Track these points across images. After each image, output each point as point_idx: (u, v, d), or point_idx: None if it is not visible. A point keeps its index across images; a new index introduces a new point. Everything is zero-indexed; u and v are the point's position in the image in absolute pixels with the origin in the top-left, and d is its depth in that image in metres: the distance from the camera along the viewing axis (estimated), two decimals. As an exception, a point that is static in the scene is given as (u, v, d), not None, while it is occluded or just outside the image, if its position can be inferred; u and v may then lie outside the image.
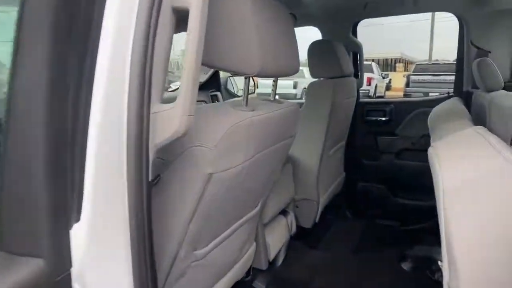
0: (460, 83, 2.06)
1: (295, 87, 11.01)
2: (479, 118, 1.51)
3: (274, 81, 1.14)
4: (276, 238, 1.61)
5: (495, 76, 1.51)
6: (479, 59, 1.55)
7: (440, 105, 1.81)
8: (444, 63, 11.34)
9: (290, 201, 1.78)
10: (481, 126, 0.94)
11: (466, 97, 1.98)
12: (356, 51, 2.22)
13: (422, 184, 2.35)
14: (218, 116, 0.83)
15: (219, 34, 0.77)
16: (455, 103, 1.73)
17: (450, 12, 1.95)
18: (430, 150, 0.87)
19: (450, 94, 2.13)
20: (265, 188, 1.25)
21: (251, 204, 1.20)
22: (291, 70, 0.98)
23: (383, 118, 2.29)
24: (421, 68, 11.28)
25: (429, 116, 1.72)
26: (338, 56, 1.74)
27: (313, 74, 1.81)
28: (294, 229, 1.82)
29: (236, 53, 0.78)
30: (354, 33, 2.25)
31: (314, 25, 2.25)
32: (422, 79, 10.03)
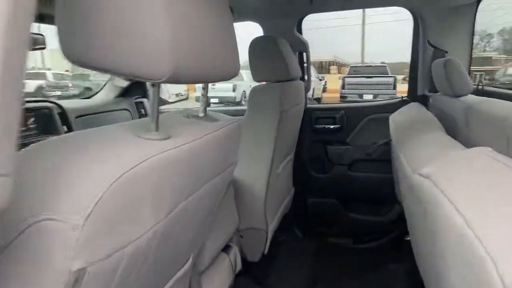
0: (414, 86, 1.90)
1: (234, 90, 10.73)
2: (444, 126, 1.32)
3: (203, 88, 0.79)
4: (217, 285, 1.26)
5: (464, 79, 1.33)
6: (444, 59, 1.37)
7: (400, 112, 1.62)
8: (376, 66, 12.00)
9: (234, 232, 1.44)
10: (488, 148, 0.69)
11: (422, 102, 1.82)
12: (302, 51, 1.96)
13: (377, 198, 2.18)
14: (99, 155, 0.46)
15: (112, 28, 0.48)
16: (418, 109, 1.53)
17: (405, 7, 1.77)
18: (424, 182, 0.60)
19: (404, 98, 1.97)
20: (199, 236, 0.90)
21: (177, 263, 0.84)
22: (227, 74, 0.66)
23: (333, 126, 2.07)
24: (355, 71, 11.79)
25: (391, 125, 1.50)
26: (284, 56, 1.44)
27: (255, 77, 1.49)
28: (239, 265, 1.48)
29: (137, 53, 0.49)
30: (299, 30, 1.99)
31: (254, 20, 1.94)
32: (356, 81, 10.41)
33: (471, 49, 1.72)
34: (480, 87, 1.56)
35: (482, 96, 1.36)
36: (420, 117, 1.34)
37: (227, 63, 0.66)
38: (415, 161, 0.84)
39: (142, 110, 2.28)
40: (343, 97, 10.51)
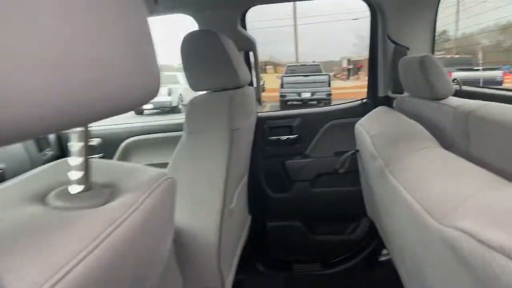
0: (374, 87, 1.68)
1: (169, 94, 10.07)
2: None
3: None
4: None
5: (445, 78, 1.10)
6: (421, 56, 1.13)
7: (370, 118, 1.36)
8: (310, 64, 12.25)
9: None
10: None
11: (384, 104, 1.60)
12: (248, 50, 1.62)
13: (343, 214, 1.94)
14: None
15: None
16: (392, 115, 1.28)
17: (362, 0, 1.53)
18: (457, 235, 0.48)
19: (364, 99, 1.73)
20: None
21: None
22: (141, 99, 0.29)
23: (291, 136, 1.77)
24: (291, 70, 11.90)
25: (361, 133, 1.24)
26: (230, 56, 1.08)
27: (194, 86, 1.11)
28: None
29: None
30: (244, 25, 1.65)
31: (186, 12, 1.55)
32: (294, 80, 10.47)
33: (433, 46, 1.54)
34: (457, 87, 1.37)
35: (463, 97, 1.14)
36: (404, 127, 1.08)
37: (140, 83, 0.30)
38: (433, 201, 0.61)
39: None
40: (282, 96, 10.52)
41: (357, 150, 1.45)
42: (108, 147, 1.81)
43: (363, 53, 20.32)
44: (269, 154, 1.80)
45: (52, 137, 1.79)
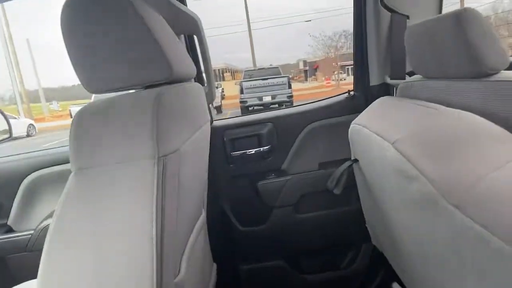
0: (362, 74, 1.28)
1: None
2: None
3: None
4: None
5: (497, 45, 0.70)
6: (457, 10, 0.72)
7: (374, 113, 0.95)
8: (269, 68, 12.01)
9: None
10: None
11: (380, 95, 1.20)
12: (191, 32, 1.14)
13: (338, 243, 1.51)
14: None
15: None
16: (405, 105, 0.87)
17: None
18: None
19: (351, 92, 1.33)
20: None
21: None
22: None
23: (261, 149, 1.32)
24: (249, 75, 11.59)
25: (382, 142, 0.81)
26: (152, 30, 0.62)
27: (90, 84, 0.63)
28: None
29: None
30: (182, 1, 1.17)
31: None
32: (253, 85, 10.15)
33: (441, 13, 1.17)
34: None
35: None
36: (449, 123, 0.67)
37: None
38: None
39: None
40: (243, 102, 10.17)
41: (356, 160, 1.03)
42: (2, 188, 1.27)
43: (318, 53, 20.53)
44: (233, 175, 1.34)
45: None
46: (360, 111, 1.08)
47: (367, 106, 1.08)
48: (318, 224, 1.33)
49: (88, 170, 0.57)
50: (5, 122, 1.39)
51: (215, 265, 1.19)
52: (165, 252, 0.60)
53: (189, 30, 1.10)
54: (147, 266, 0.56)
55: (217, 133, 1.28)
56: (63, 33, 0.62)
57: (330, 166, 1.31)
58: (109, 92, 0.68)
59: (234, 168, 1.33)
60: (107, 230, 0.57)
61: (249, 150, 1.32)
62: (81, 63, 0.63)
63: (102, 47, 0.62)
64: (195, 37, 1.19)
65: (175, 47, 0.73)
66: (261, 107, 9.94)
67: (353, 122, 1.01)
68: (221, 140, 1.31)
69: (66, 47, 0.63)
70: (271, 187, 1.32)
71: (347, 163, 1.06)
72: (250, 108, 10.11)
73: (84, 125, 0.60)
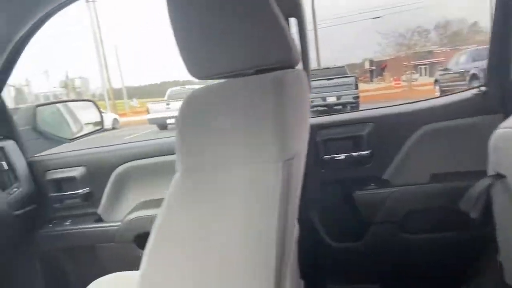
0: (499, 66, 1.02)
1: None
2: None
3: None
4: None
5: None
6: None
7: None
8: (334, 67, 11.61)
9: None
10: None
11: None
12: (292, 15, 0.99)
13: (456, 272, 1.23)
14: None
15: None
16: None
17: None
18: None
19: (481, 87, 1.07)
20: None
21: None
22: None
23: (359, 153, 1.13)
24: (313, 74, 11.31)
25: (497, 148, 0.58)
26: (271, 5, 0.51)
27: (198, 71, 0.53)
28: None
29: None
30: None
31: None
32: (318, 84, 9.86)
33: None
34: None
35: None
36: None
37: None
38: None
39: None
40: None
41: (500, 176, 0.79)
42: (94, 178, 1.26)
43: (388, 51, 19.35)
44: (324, 182, 1.17)
45: (22, 169, 1.28)
46: (494, 112, 0.85)
47: (504, 106, 0.84)
48: (430, 248, 1.09)
49: (198, 171, 0.47)
50: (99, 115, 1.51)
51: (302, 282, 1.03)
52: (284, 264, 0.49)
53: (291, 12, 0.96)
54: (271, 279, 0.45)
55: (310, 133, 1.12)
56: (169, 12, 0.52)
57: (446, 179, 1.07)
58: (216, 78, 0.56)
59: (325, 173, 1.16)
60: (222, 236, 0.49)
61: (345, 154, 1.14)
62: (187, 47, 0.52)
63: (213, 25, 0.51)
64: (291, 20, 1.04)
65: (287, 27, 0.59)
66: (325, 109, 9.61)
67: (500, 125, 0.78)
68: (313, 140, 1.14)
69: (172, 27, 0.53)
70: (370, 198, 1.12)
71: (487, 180, 0.83)
72: (313, 109, 9.84)
73: (190, 121, 0.50)
